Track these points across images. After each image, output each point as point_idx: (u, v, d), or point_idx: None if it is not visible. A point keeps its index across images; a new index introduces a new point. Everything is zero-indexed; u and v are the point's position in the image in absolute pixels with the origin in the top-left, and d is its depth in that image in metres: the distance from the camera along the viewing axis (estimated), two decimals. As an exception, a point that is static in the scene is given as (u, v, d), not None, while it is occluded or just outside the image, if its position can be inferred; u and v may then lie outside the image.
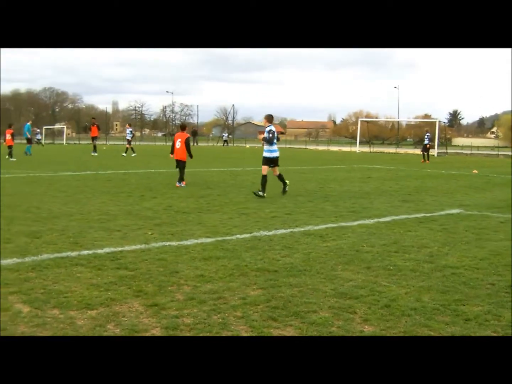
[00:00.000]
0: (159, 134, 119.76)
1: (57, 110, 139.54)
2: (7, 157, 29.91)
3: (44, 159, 30.89)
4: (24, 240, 8.37)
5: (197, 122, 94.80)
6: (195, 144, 70.38)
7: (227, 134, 77.60)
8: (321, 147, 66.23)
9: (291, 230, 9.55)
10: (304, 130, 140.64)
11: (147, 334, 4.78)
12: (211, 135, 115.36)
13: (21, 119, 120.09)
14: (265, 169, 14.29)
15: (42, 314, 5.21)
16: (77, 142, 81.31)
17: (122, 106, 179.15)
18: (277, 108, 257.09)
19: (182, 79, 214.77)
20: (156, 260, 7.25)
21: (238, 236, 8.94)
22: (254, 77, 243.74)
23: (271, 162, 14.49)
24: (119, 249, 7.85)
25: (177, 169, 17.08)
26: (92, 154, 36.06)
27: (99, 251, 7.72)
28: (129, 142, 37.22)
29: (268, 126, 14.57)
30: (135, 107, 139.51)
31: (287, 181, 14.76)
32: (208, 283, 6.25)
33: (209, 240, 8.57)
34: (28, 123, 39.37)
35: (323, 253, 7.82)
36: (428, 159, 34.64)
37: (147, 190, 15.22)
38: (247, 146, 65.74)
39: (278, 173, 14.77)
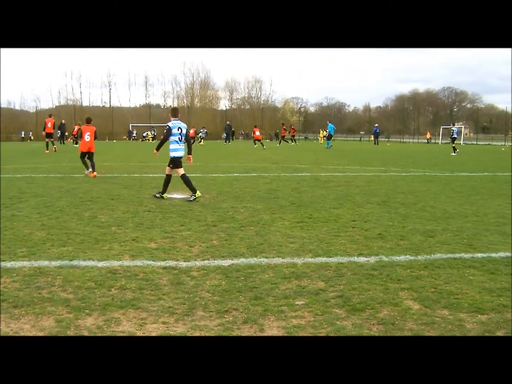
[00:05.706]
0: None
1: (455, 109, 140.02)
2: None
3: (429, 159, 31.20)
4: (418, 238, 8.60)
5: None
6: None
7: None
8: None
9: None
10: None
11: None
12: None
13: (420, 119, 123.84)
14: (167, 169, 13.75)
15: (431, 313, 5.29)
16: (474, 142, 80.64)
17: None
18: None
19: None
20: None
21: None
22: None
23: (170, 162, 13.62)
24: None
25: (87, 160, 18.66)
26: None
27: (494, 255, 7.52)
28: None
29: (169, 121, 13.65)
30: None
31: (196, 194, 13.07)
32: None
33: None
34: (330, 123, 44.17)
35: None
36: None
37: (548, 194, 14.25)
38: None
39: (180, 174, 13.64)
